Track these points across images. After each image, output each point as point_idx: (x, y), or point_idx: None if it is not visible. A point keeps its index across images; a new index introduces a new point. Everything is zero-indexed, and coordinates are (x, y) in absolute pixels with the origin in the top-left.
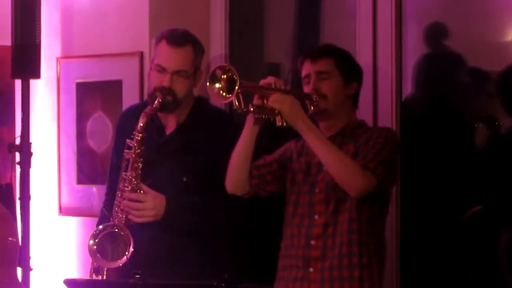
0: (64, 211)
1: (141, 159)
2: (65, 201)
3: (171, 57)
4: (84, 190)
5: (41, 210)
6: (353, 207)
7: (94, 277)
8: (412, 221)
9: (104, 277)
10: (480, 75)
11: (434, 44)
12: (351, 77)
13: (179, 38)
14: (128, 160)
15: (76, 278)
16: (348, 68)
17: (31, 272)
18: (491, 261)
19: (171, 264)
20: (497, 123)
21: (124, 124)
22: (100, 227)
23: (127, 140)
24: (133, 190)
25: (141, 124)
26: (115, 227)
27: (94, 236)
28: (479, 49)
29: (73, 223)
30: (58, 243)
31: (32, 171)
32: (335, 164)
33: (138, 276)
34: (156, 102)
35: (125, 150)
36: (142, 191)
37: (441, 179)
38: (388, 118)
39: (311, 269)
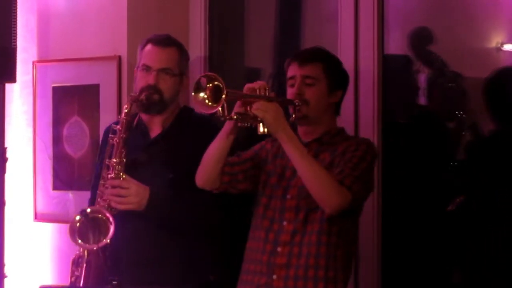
0: (39, 217)
1: (125, 146)
2: (41, 207)
3: (156, 56)
4: (60, 196)
5: (16, 216)
6: (324, 219)
7: (74, 269)
8: (394, 222)
9: (83, 271)
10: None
11: (418, 49)
12: (337, 85)
13: (164, 40)
14: (112, 145)
15: (52, 284)
16: (335, 76)
17: (5, 280)
18: (476, 259)
19: (153, 264)
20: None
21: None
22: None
23: (112, 124)
24: (117, 177)
25: (126, 110)
26: (98, 213)
27: (81, 214)
28: (462, 54)
29: (49, 229)
30: (33, 249)
31: (7, 176)
32: (312, 178)
33: (115, 282)
34: (143, 95)
35: (110, 135)
36: (125, 177)
37: (422, 183)
38: (369, 123)
39: (274, 276)
